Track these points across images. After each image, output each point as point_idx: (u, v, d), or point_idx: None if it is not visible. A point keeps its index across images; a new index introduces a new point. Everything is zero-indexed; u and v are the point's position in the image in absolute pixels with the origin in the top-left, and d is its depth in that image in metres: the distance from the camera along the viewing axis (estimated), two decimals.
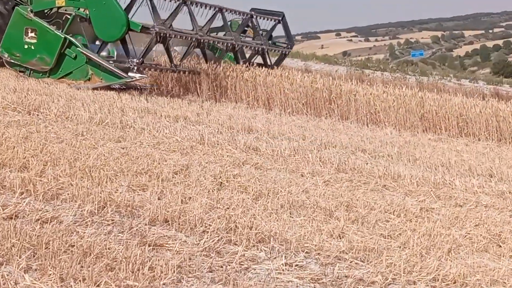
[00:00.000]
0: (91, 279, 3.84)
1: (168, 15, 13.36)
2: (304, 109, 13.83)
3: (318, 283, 4.30)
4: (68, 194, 5.59)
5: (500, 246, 5.44)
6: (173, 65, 14.05)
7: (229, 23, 15.52)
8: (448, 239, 5.43)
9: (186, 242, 4.76)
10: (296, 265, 4.55)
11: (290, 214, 5.71)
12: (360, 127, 12.95)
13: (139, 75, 13.51)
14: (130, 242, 4.59)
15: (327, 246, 4.95)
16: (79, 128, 8.61)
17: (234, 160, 7.69)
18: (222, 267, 4.37)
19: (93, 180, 6.04)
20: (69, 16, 13.14)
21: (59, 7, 13.38)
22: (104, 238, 4.63)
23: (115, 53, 14.02)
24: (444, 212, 6.36)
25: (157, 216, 5.20)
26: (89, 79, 12.30)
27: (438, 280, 4.51)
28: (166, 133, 8.90)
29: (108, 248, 4.38)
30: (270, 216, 5.54)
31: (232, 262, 4.47)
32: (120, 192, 5.74)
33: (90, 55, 12.26)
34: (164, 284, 3.97)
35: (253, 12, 16.42)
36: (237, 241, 4.88)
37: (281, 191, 6.39)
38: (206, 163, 7.36)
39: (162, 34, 12.85)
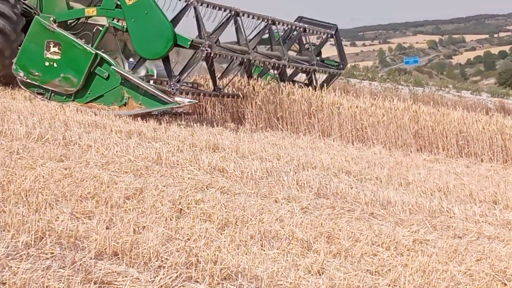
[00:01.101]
0: None
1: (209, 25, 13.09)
2: (280, 124, 13.86)
3: None
4: (0, 222, 5.53)
5: (506, 285, 5.48)
6: (216, 88, 13.48)
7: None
8: (446, 276, 5.45)
9: (138, 279, 4.73)
10: None
11: (262, 246, 5.70)
12: (344, 145, 12.99)
13: (188, 100, 12.82)
14: (72, 279, 4.54)
15: (304, 284, 4.95)
16: (14, 145, 8.54)
17: (196, 183, 7.67)
18: None
19: (30, 206, 5.98)
20: (100, 28, 12.57)
21: (88, 17, 12.81)
22: (42, 274, 4.57)
23: (155, 72, 13.63)
24: (441, 244, 6.39)
25: (105, 249, 5.16)
26: (125, 104, 11.68)
27: None
28: (117, 151, 8.85)
29: (47, 286, 4.34)
30: (238, 249, 5.52)
31: None
32: (62, 221, 5.69)
33: (126, 75, 11.64)
34: None
35: (306, 25, 16.04)
36: (198, 278, 4.86)
37: (251, 219, 6.38)
38: (164, 186, 7.33)
39: (213, 54, 12.53)
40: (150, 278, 4.75)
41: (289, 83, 14.99)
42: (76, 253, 5.06)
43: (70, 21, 12.77)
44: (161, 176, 7.87)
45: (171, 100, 11.61)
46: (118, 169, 7.98)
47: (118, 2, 11.87)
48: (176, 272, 4.88)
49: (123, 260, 5.05)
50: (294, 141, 12.22)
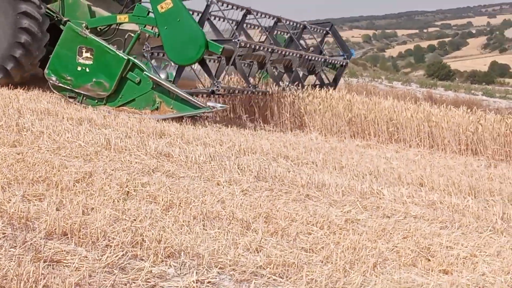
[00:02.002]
0: None
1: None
2: (223, 112, 13.85)
3: None
4: None
5: (429, 260, 5.53)
6: (251, 86, 13.21)
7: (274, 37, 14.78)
8: (374, 252, 5.50)
9: (86, 257, 4.69)
10: (209, 282, 4.53)
11: (204, 226, 5.69)
12: (283, 132, 13.03)
13: (220, 105, 12.78)
14: (23, 258, 4.49)
15: (243, 261, 4.95)
16: None
17: (143, 167, 7.63)
18: (126, 284, 4.32)
19: None
20: (132, 34, 12.25)
21: (119, 24, 12.51)
22: None
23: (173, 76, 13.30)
24: (371, 223, 6.43)
25: (55, 229, 5.11)
26: (157, 108, 11.38)
27: None
28: (68, 137, 8.77)
29: None
30: (181, 229, 5.51)
31: (137, 280, 4.42)
32: (14, 203, 5.60)
33: (158, 80, 11.37)
34: None
35: (306, 22, 15.69)
36: (143, 256, 4.84)
37: (194, 201, 6.37)
38: (112, 170, 7.27)
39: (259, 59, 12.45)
40: (98, 257, 4.72)
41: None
42: (27, 233, 5.00)
43: (102, 27, 12.52)
44: (109, 160, 7.81)
45: (204, 105, 11.42)
46: (69, 154, 7.90)
47: (151, 10, 11.68)
48: (122, 251, 4.85)
49: (72, 239, 5.00)
50: (236, 128, 12.20)
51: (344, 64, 16.32)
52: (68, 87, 11.76)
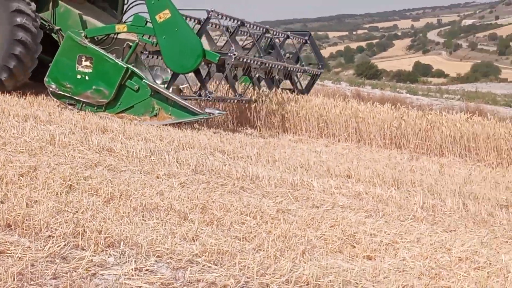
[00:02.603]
0: None
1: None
2: None
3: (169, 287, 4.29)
4: None
5: (354, 247, 5.60)
6: (237, 95, 13.05)
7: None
8: (303, 240, 5.55)
9: (29, 248, 4.63)
10: (147, 270, 4.52)
11: (143, 217, 5.67)
12: (220, 127, 13.01)
13: (218, 111, 12.51)
14: None
15: (179, 249, 4.95)
16: None
17: (86, 162, 7.56)
18: (67, 273, 4.28)
19: None
20: (130, 43, 12.04)
21: (118, 33, 12.24)
22: None
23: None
24: (301, 213, 6.48)
25: None
26: (155, 115, 11.16)
27: (291, 282, 4.58)
28: (13, 133, 8.64)
29: None
30: (121, 220, 5.48)
31: (78, 268, 4.38)
32: None
33: (156, 88, 11.16)
34: None
35: (289, 32, 15.45)
36: (85, 246, 4.79)
37: (134, 193, 6.34)
38: (56, 164, 7.19)
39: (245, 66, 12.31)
40: (40, 247, 4.66)
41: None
42: None
43: (101, 36, 12.22)
44: (54, 155, 7.72)
45: (201, 112, 11.30)
46: (14, 149, 7.78)
47: (149, 20, 11.46)
48: (64, 241, 4.80)
49: (15, 231, 4.93)
50: (176, 124, 12.15)
51: (319, 73, 16.32)
52: (67, 95, 11.51)
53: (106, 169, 7.36)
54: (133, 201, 6.06)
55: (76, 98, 11.49)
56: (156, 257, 4.78)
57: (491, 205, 7.84)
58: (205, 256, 4.88)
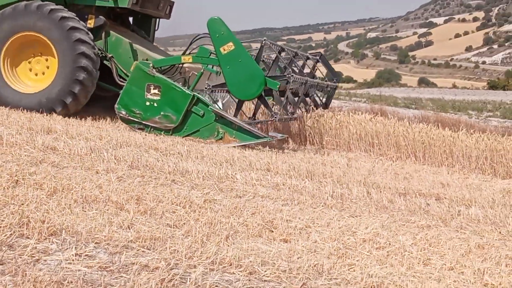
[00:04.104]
0: None
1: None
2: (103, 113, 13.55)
3: (106, 270, 4.24)
4: None
5: (272, 231, 5.63)
6: (289, 114, 12.39)
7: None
8: (227, 226, 5.55)
9: None
10: (86, 255, 4.45)
11: (83, 208, 5.58)
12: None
13: (281, 134, 12.09)
14: None
15: (116, 236, 4.90)
16: None
17: (31, 159, 7.39)
18: (13, 259, 4.19)
19: None
20: (195, 73, 11.66)
21: (183, 63, 11.79)
22: None
23: (220, 104, 12.20)
24: (225, 202, 6.48)
25: None
26: (221, 138, 10.77)
27: (216, 263, 4.59)
28: None
29: None
30: (63, 211, 5.38)
31: (23, 255, 4.30)
32: None
33: (221, 113, 10.78)
34: None
35: (308, 54, 14.74)
36: (29, 235, 4.70)
37: (75, 187, 6.23)
38: (3, 162, 7.01)
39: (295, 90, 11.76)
40: None
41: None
42: None
43: (166, 66, 11.77)
44: (1, 154, 7.52)
45: (264, 135, 10.96)
46: None
47: (212, 51, 11.14)
48: (10, 231, 4.70)
49: None
50: (114, 124, 12.00)
51: (335, 87, 15.49)
52: (137, 120, 11.15)
53: (50, 165, 7.21)
54: (74, 194, 5.97)
55: (145, 123, 11.16)
56: (95, 243, 4.73)
57: (391, 193, 7.98)
58: (139, 241, 4.85)
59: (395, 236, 5.93)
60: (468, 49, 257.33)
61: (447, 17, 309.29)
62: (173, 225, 5.43)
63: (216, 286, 4.18)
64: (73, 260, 4.31)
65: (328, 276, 4.63)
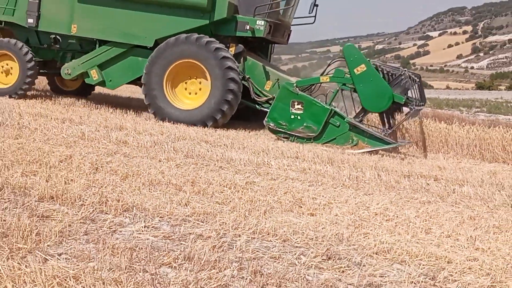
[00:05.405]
0: None
1: None
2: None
3: (169, 239, 4.28)
4: None
5: (301, 207, 5.62)
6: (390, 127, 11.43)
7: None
8: (265, 203, 5.56)
9: (67, 213, 4.59)
10: (153, 227, 4.50)
11: (149, 189, 5.64)
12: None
13: (407, 141, 11.61)
14: (22, 214, 4.37)
15: (176, 212, 4.93)
16: None
17: (107, 151, 7.48)
18: (95, 231, 4.25)
19: None
20: (332, 90, 11.30)
21: (321, 83, 11.39)
22: (1, 213, 4.38)
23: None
24: (263, 184, 6.48)
25: (45, 195, 4.98)
26: (355, 145, 10.43)
27: (256, 233, 4.60)
28: (54, 132, 8.52)
29: (4, 220, 4.15)
30: (134, 192, 5.44)
31: (103, 227, 4.36)
32: (16, 177, 5.44)
33: (355, 123, 10.46)
34: (48, 246, 3.81)
35: (419, 78, 13.61)
36: (107, 211, 4.77)
37: (143, 172, 6.29)
38: (86, 153, 7.11)
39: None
40: (75, 212, 4.63)
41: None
42: (25, 198, 4.86)
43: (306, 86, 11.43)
44: (84, 147, 7.63)
45: (393, 141, 10.57)
46: (55, 143, 7.68)
47: (346, 72, 10.87)
48: (93, 208, 4.77)
49: (57, 201, 4.89)
50: (172, 122, 12.04)
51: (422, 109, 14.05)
52: (283, 130, 10.95)
53: (122, 156, 7.29)
54: (142, 178, 6.02)
55: (289, 133, 10.92)
56: (159, 217, 4.77)
57: (397, 175, 7.89)
58: (195, 216, 4.88)
59: (402, 210, 5.88)
60: (459, 56, 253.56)
61: (441, 31, 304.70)
62: (221, 202, 5.45)
63: (257, 251, 4.19)
64: (142, 231, 4.36)
65: (347, 243, 4.61)
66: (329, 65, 11.64)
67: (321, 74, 11.47)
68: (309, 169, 7.77)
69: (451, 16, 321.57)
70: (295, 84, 11.07)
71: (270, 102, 11.91)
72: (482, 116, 21.96)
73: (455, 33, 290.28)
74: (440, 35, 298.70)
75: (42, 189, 5.08)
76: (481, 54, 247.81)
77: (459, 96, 45.78)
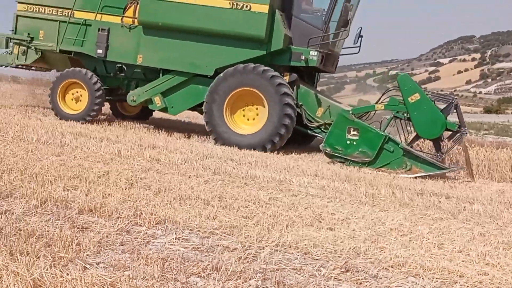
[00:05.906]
0: (33, 253, 3.66)
1: None
2: (185, 134, 13.66)
3: (198, 250, 4.27)
4: (19, 193, 5.32)
5: (321, 222, 5.58)
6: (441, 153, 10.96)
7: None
8: (287, 218, 5.53)
9: (105, 225, 4.62)
10: (183, 239, 4.51)
11: (180, 204, 5.65)
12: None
13: (460, 166, 11.14)
14: (63, 226, 4.41)
15: (204, 225, 4.93)
16: (29, 147, 8.21)
17: (141, 167, 7.53)
18: (130, 241, 4.27)
19: (38, 183, 5.76)
20: (386, 117, 11.13)
21: (376, 110, 11.27)
22: (45, 224, 4.43)
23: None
24: (285, 200, 6.46)
25: (84, 208, 5.02)
26: (409, 169, 10.18)
27: (279, 246, 4.57)
28: (93, 149, 8.61)
29: (47, 231, 4.19)
30: (165, 206, 5.46)
31: (137, 238, 4.38)
32: (58, 191, 5.50)
33: (408, 149, 10.30)
34: (87, 255, 3.83)
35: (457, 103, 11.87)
36: (142, 223, 4.79)
37: (174, 188, 6.32)
38: (122, 170, 7.16)
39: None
40: (112, 224, 4.65)
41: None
42: (67, 210, 4.91)
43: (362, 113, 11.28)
44: (120, 163, 7.69)
45: (446, 167, 10.38)
46: (94, 160, 7.76)
47: (400, 100, 10.71)
48: (128, 220, 4.80)
49: (95, 214, 4.92)
50: (201, 142, 12.12)
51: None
52: (338, 155, 10.76)
53: (155, 172, 7.33)
54: (173, 193, 6.04)
55: (345, 157, 10.72)
56: (189, 230, 4.77)
57: (411, 193, 7.81)
58: (222, 229, 4.87)
59: (415, 226, 5.81)
60: (468, 82, 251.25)
61: (451, 58, 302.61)
62: (246, 216, 5.44)
63: (280, 263, 4.17)
64: (173, 243, 4.37)
65: (364, 256, 4.56)
66: (383, 93, 11.46)
67: (376, 102, 11.30)
68: (328, 186, 7.73)
69: (460, 44, 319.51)
70: (351, 112, 10.90)
71: (321, 127, 11.87)
72: (490, 138, 21.65)
73: (464, 60, 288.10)
74: (450, 61, 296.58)
75: (82, 202, 5.13)
76: (489, 80, 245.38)
77: (468, 119, 45.12)
